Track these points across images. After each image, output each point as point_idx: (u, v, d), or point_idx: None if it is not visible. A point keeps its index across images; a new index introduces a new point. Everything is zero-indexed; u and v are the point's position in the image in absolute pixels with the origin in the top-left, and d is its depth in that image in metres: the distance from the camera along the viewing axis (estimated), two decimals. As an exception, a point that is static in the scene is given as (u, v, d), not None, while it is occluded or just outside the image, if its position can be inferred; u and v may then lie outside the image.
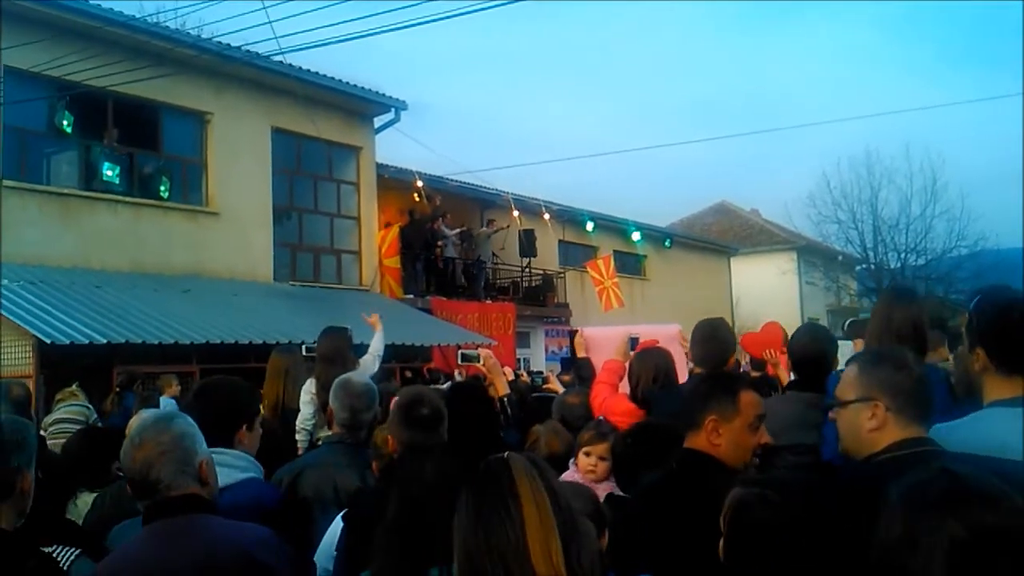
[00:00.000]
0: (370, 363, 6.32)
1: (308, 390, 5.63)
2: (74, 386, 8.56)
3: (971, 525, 1.48)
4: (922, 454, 2.24)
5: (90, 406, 8.08)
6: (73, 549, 2.67)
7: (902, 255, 34.62)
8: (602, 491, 3.71)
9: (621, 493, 3.67)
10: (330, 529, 3.33)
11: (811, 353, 4.03)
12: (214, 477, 2.59)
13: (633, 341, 5.28)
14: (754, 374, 8.26)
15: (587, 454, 3.99)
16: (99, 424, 7.89)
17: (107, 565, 2.45)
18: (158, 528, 2.42)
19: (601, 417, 4.44)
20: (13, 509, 2.38)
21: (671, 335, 5.81)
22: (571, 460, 4.11)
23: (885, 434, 2.31)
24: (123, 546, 2.54)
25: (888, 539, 1.56)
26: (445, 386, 5.26)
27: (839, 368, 3.75)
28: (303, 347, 6.50)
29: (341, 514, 3.21)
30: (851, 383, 2.41)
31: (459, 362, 5.71)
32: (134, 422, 3.14)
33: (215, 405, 3.16)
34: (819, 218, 35.78)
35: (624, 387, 4.94)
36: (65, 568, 2.57)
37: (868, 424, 2.33)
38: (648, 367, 4.77)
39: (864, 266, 36.34)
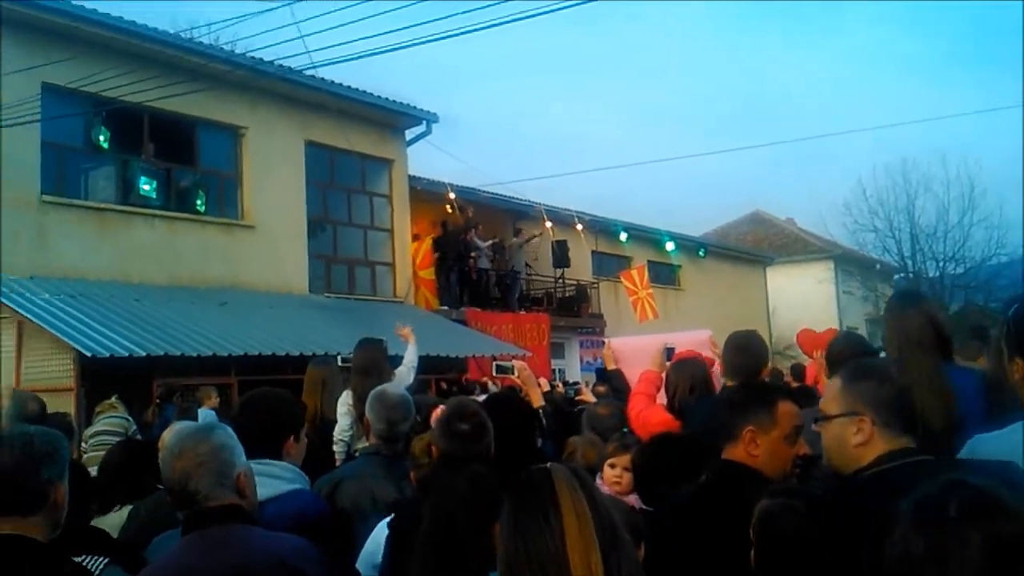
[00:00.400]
0: (405, 374, 6.32)
1: (344, 402, 5.63)
2: (113, 398, 8.64)
3: (997, 536, 1.46)
4: (921, 464, 2.23)
5: (129, 418, 8.15)
6: (102, 558, 2.68)
7: (940, 263, 34.28)
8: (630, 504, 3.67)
9: (644, 506, 3.61)
10: (371, 536, 3.33)
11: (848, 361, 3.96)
12: (252, 489, 2.59)
13: (668, 351, 5.22)
14: (794, 384, 8.17)
15: (612, 466, 3.95)
16: (139, 436, 7.96)
17: (157, 570, 2.46)
18: (195, 538, 2.44)
19: (626, 428, 4.39)
20: (47, 521, 2.39)
21: (701, 341, 5.75)
22: (597, 473, 4.07)
23: (872, 448, 2.30)
24: (162, 557, 2.55)
25: (911, 555, 1.52)
26: (481, 398, 5.23)
27: None
28: (339, 359, 6.51)
29: (386, 521, 3.21)
30: (835, 397, 2.39)
31: (494, 373, 5.70)
32: (169, 433, 3.16)
33: (262, 416, 3.17)
34: (855, 227, 35.58)
35: (662, 398, 4.89)
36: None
37: (854, 439, 2.31)
38: (685, 377, 4.72)
39: (902, 275, 35.97)
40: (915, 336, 3.38)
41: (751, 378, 4.22)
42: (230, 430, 2.64)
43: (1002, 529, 1.47)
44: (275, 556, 2.44)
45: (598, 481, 3.99)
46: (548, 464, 2.00)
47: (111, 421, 7.90)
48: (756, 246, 38.87)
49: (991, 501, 1.52)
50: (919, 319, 3.41)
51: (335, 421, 5.70)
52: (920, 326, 3.39)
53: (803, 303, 34.47)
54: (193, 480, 2.45)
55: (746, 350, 4.44)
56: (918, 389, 3.25)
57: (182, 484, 2.46)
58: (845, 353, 4.02)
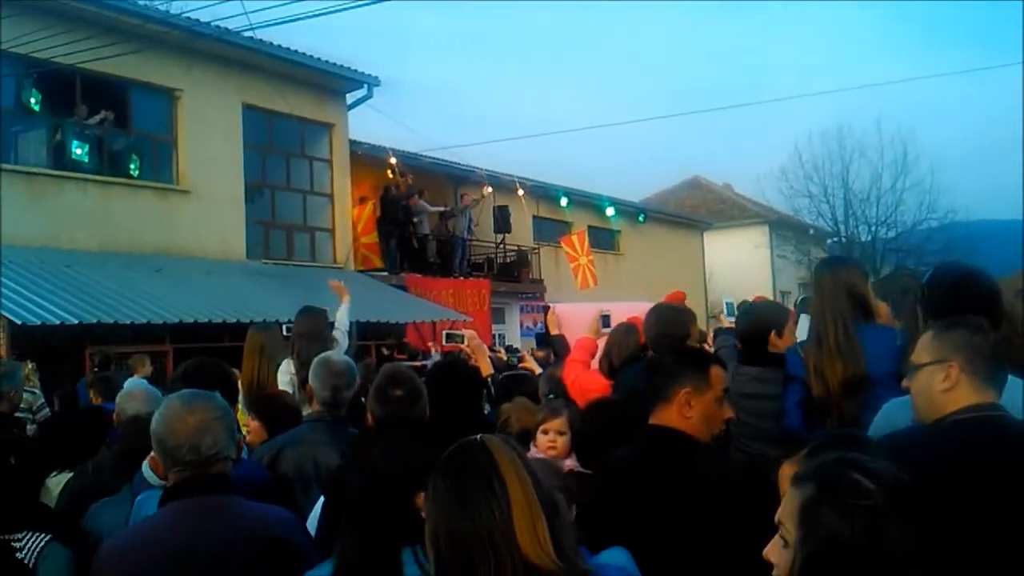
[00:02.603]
0: (341, 339, 6.26)
1: (287, 370, 5.53)
2: (30, 367, 8.16)
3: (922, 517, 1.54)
4: (991, 419, 2.25)
5: (37, 391, 7.56)
6: (43, 535, 2.66)
7: (873, 228, 34.98)
8: (564, 468, 3.73)
9: (582, 469, 3.68)
10: (316, 506, 3.36)
11: (750, 330, 4.08)
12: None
13: (604, 318, 5.29)
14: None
15: (544, 432, 3.98)
16: (44, 409, 7.39)
17: (131, 540, 2.46)
18: (189, 506, 2.43)
19: (551, 394, 4.40)
20: None
21: (645, 311, 5.82)
22: (532, 442, 4.12)
23: (958, 395, 2.31)
24: (150, 522, 2.54)
25: (851, 536, 1.55)
26: (427, 362, 5.25)
27: (799, 341, 3.81)
28: (284, 328, 6.39)
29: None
30: (925, 347, 2.41)
31: (444, 342, 5.71)
32: (128, 398, 3.14)
33: (213, 387, 3.12)
34: (791, 192, 36.08)
35: (596, 364, 4.95)
36: (34, 554, 2.57)
37: (941, 385, 2.33)
38: (625, 340, 4.80)
39: (835, 239, 36.63)
40: (828, 297, 3.53)
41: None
42: None
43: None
44: (272, 530, 2.47)
45: (533, 449, 4.05)
46: (479, 436, 1.97)
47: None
48: (694, 211, 39.19)
49: (880, 472, 1.60)
50: (831, 282, 3.56)
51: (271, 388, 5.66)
52: (832, 288, 3.53)
53: (739, 268, 34.96)
54: (210, 435, 2.46)
55: (659, 321, 4.49)
56: (818, 348, 3.42)
57: (196, 439, 2.45)
58: (747, 324, 4.15)
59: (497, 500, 1.82)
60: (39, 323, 10.57)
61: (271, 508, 2.58)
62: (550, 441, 3.94)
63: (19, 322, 10.44)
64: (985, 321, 2.46)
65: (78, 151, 14.15)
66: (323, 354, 4.07)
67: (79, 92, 14.40)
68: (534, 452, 3.99)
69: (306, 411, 4.47)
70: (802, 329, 5.62)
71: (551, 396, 4.06)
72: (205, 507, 2.42)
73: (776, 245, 39.13)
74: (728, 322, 6.19)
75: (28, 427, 6.59)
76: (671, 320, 4.43)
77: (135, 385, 4.58)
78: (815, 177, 35.27)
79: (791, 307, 7.44)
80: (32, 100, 13.55)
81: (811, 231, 37.51)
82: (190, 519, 2.40)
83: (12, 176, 13.36)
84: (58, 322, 10.79)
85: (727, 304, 6.67)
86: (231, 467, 2.54)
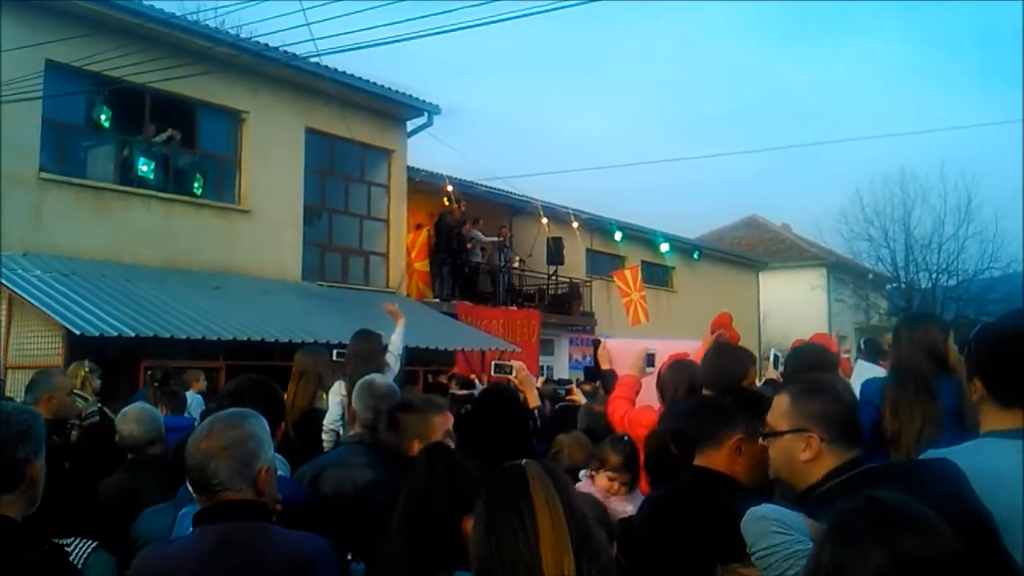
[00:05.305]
0: (392, 363, 6.27)
1: (338, 392, 5.56)
2: (86, 369, 7.69)
3: (895, 552, 1.50)
4: (862, 474, 2.24)
5: (91, 398, 7.07)
6: (90, 542, 2.69)
7: (933, 275, 34.39)
8: (632, 503, 3.71)
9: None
10: None
11: (801, 372, 4.03)
12: (271, 486, 2.56)
13: (649, 357, 5.23)
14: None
15: (611, 479, 3.95)
16: (95, 418, 7.13)
17: (152, 563, 2.44)
18: (210, 533, 2.40)
19: (625, 436, 4.33)
20: (22, 499, 2.33)
21: (696, 350, 5.74)
22: (583, 471, 4.08)
23: (821, 464, 2.32)
24: (171, 546, 2.53)
25: (819, 567, 1.57)
26: (473, 391, 5.24)
27: (870, 378, 3.82)
28: (333, 350, 6.34)
29: None
30: (784, 413, 2.41)
31: (492, 373, 5.67)
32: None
33: (259, 404, 3.09)
34: (851, 235, 35.71)
35: (640, 402, 4.90)
36: (81, 560, 2.59)
37: (803, 455, 2.33)
38: (681, 378, 4.73)
39: (895, 285, 36.11)
40: (905, 354, 3.58)
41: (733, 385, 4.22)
42: (265, 422, 2.62)
43: (905, 544, 1.51)
44: (294, 558, 2.41)
45: (586, 481, 4.02)
46: (523, 461, 1.99)
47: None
48: (750, 250, 38.86)
49: (894, 518, 1.56)
50: (909, 340, 3.61)
51: (312, 410, 5.67)
52: (910, 346, 3.59)
53: (795, 309, 34.54)
54: (213, 463, 2.42)
55: (720, 359, 4.42)
56: (900, 388, 3.41)
57: (201, 466, 2.43)
58: (801, 369, 4.10)
59: (526, 532, 1.84)
60: (97, 334, 10.77)
61: (299, 534, 2.51)
62: (614, 488, 3.91)
63: (77, 332, 10.64)
64: (842, 383, 2.48)
65: (144, 168, 14.51)
66: (367, 377, 4.09)
67: (148, 110, 14.77)
68: (587, 484, 3.97)
69: (349, 432, 4.49)
70: (858, 375, 5.52)
71: (625, 439, 4.03)
72: (226, 534, 2.38)
73: (833, 288, 38.66)
74: (774, 374, 6.03)
75: (72, 434, 6.55)
76: (729, 359, 4.29)
77: (132, 407, 4.64)
78: (876, 221, 34.89)
79: (844, 352, 7.27)
80: (102, 117, 13.93)
81: (870, 275, 36.98)
82: (210, 545, 2.37)
83: (80, 190, 13.75)
84: (115, 334, 10.99)
85: (774, 356, 6.53)
86: (251, 495, 2.45)
